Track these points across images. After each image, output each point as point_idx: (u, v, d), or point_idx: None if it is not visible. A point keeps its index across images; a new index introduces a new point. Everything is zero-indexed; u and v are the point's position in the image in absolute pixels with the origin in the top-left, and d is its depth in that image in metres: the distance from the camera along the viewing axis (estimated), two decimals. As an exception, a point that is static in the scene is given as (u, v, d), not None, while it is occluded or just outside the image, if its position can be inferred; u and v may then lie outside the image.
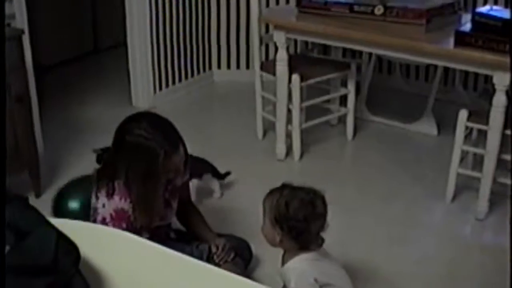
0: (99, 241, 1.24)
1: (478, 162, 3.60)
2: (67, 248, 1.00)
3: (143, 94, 4.75)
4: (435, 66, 4.76)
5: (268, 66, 4.10)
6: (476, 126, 3.38)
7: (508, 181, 3.42)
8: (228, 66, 5.33)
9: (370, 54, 4.70)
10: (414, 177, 3.85)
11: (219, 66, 5.32)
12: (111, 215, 2.43)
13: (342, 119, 4.44)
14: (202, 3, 5.04)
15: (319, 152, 4.15)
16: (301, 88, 3.87)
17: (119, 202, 2.43)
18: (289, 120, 3.97)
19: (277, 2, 5.09)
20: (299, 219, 2.25)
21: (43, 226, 0.97)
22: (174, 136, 2.48)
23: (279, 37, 3.72)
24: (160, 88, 4.83)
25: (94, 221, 2.47)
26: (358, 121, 4.40)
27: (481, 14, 3.20)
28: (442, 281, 2.99)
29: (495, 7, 3.60)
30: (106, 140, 3.95)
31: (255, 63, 4.10)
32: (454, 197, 3.56)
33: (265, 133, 4.32)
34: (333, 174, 3.94)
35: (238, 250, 2.74)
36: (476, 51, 3.11)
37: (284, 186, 2.33)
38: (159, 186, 2.49)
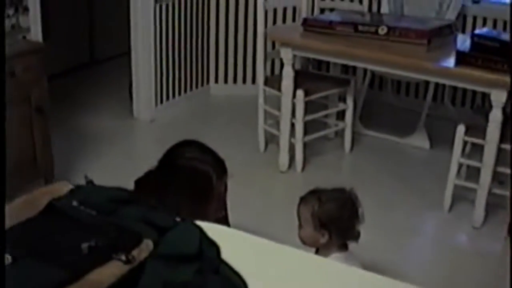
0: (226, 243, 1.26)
1: (471, 173, 3.79)
2: (210, 241, 1.13)
3: (145, 107, 4.88)
4: (426, 83, 5.00)
5: (272, 81, 4.28)
6: (473, 140, 3.59)
7: (502, 192, 3.64)
8: (225, 81, 5.49)
9: (365, 71, 4.91)
10: (411, 188, 4.05)
11: (216, 80, 5.49)
12: None
13: (338, 133, 4.63)
14: (202, 18, 5.21)
15: (319, 164, 4.33)
16: (305, 103, 4.05)
17: None
18: (291, 134, 4.14)
19: (284, 20, 5.26)
20: (345, 218, 2.41)
21: (184, 223, 1.11)
22: (221, 159, 2.46)
23: (286, 54, 3.90)
24: (161, 101, 4.96)
25: None
26: (354, 135, 4.59)
27: (480, 36, 3.42)
28: (440, 286, 3.17)
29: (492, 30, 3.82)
30: (112, 152, 4.14)
31: (259, 78, 4.28)
32: (451, 207, 3.76)
33: (266, 146, 4.48)
34: (334, 185, 4.05)
35: None
36: (476, 70, 3.33)
37: (314, 191, 2.49)
38: (210, 210, 2.43)
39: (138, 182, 2.47)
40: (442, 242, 3.65)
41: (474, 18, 4.84)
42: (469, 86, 3.61)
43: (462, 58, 3.39)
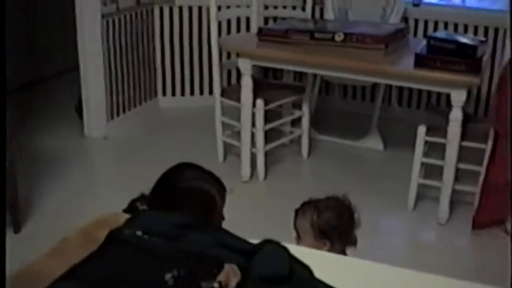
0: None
1: (429, 170, 3.89)
2: (298, 261, 1.13)
3: (97, 124, 4.79)
4: (373, 86, 5.11)
5: (228, 92, 4.29)
6: (435, 140, 3.70)
7: (464, 188, 3.76)
8: (173, 93, 5.46)
9: (315, 77, 4.98)
10: (372, 189, 4.13)
11: (164, 93, 5.45)
12: None
13: (294, 140, 4.67)
14: (147, 31, 5.17)
15: (280, 172, 4.36)
16: (265, 112, 4.08)
17: None
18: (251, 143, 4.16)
19: (238, 30, 5.28)
20: (344, 225, 2.43)
21: (270, 244, 1.11)
22: (218, 178, 2.37)
23: (245, 64, 3.91)
24: (112, 117, 4.89)
25: None
26: (310, 141, 4.65)
27: (436, 38, 3.53)
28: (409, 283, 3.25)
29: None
30: (70, 172, 4.01)
31: (215, 89, 4.28)
32: (415, 205, 3.86)
33: (225, 157, 4.48)
34: (298, 191, 4.13)
35: None
36: (435, 71, 3.43)
37: (309, 202, 2.49)
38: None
39: (131, 206, 2.35)
40: (410, 240, 3.75)
41: (416, 21, 4.98)
42: (429, 88, 3.71)
43: (420, 61, 3.48)
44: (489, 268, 3.37)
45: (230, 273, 1.06)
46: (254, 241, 1.22)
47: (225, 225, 3.51)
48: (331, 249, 2.44)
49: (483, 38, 4.07)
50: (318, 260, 1.62)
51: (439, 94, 5.06)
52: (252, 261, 1.07)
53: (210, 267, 1.07)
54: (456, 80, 3.39)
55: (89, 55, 4.61)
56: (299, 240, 2.46)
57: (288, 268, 1.06)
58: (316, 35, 3.85)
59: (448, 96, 4.80)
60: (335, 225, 2.39)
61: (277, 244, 1.16)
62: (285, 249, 1.13)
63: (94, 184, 4.21)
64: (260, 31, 4.03)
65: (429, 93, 5.12)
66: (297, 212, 2.48)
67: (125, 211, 2.34)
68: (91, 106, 4.76)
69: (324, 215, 2.39)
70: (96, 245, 1.17)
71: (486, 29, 4.74)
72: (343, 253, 2.50)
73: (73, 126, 4.96)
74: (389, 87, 5.12)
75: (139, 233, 1.17)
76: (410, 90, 5.18)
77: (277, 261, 1.08)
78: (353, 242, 2.48)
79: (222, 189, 2.31)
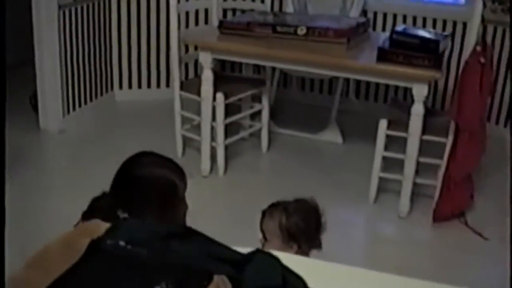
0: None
1: (388, 163, 3.90)
2: (291, 271, 1.10)
3: (53, 117, 4.68)
4: (330, 80, 5.12)
5: (188, 85, 4.24)
6: (395, 133, 3.71)
7: (424, 181, 3.80)
8: (130, 86, 5.38)
9: (273, 70, 4.95)
10: (332, 182, 4.14)
11: (120, 86, 5.36)
12: None
13: (253, 133, 4.64)
14: (104, 22, 5.07)
15: (240, 166, 4.33)
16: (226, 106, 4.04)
17: None
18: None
19: (196, 23, 5.21)
20: (312, 228, 2.42)
21: (261, 254, 1.07)
22: (177, 163, 2.35)
23: (205, 58, 3.86)
24: (68, 111, 4.79)
25: None
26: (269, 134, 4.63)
27: (399, 33, 3.54)
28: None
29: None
30: (23, 168, 3.90)
31: (174, 82, 4.22)
32: (376, 198, 3.88)
33: (183, 151, 4.43)
34: (258, 186, 4.15)
35: None
36: (397, 66, 3.44)
37: (278, 204, 2.45)
38: (178, 215, 2.35)
39: (92, 207, 2.32)
40: (371, 233, 3.77)
41: (375, 14, 5.00)
42: (391, 82, 3.72)
43: (383, 55, 3.49)
44: (450, 260, 3.41)
45: (220, 285, 1.02)
46: (241, 249, 1.18)
47: (186, 220, 3.50)
48: (298, 252, 2.42)
49: (445, 33, 4.10)
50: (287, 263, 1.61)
51: (397, 87, 5.10)
52: (243, 272, 1.04)
53: (199, 279, 1.04)
54: (419, 75, 3.41)
55: (45, 46, 4.49)
56: (264, 242, 2.43)
57: (282, 278, 1.03)
58: (278, 28, 3.82)
59: (406, 89, 4.91)
60: (303, 229, 2.37)
61: (269, 254, 1.13)
62: (276, 259, 1.10)
63: (47, 179, 4.11)
64: (221, 24, 3.98)
65: (387, 86, 5.15)
66: (264, 213, 2.44)
67: (86, 212, 2.28)
68: (47, 99, 4.65)
69: (293, 218, 2.36)
70: (78, 255, 1.12)
71: (445, 22, 4.79)
72: (307, 255, 2.50)
73: (28, 120, 4.83)
74: (347, 80, 5.13)
75: (122, 243, 1.12)
76: (368, 83, 5.21)
77: (270, 271, 1.05)
78: (318, 245, 2.47)
79: (182, 175, 2.29)
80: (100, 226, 1.19)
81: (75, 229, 1.21)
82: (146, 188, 2.21)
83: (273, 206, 2.43)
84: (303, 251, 2.41)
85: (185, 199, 2.34)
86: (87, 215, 2.23)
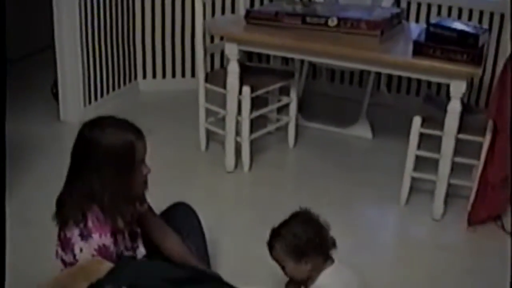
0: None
1: (421, 162, 3.71)
2: None
3: (73, 108, 4.56)
4: (362, 70, 4.92)
5: (212, 77, 4.08)
6: (430, 132, 3.52)
7: (460, 182, 3.61)
8: (154, 76, 5.23)
9: (302, 61, 4.77)
10: (362, 181, 3.96)
11: (144, 76, 5.22)
12: (93, 256, 2.13)
13: (280, 127, 4.47)
14: (128, 10, 4.91)
15: (265, 162, 4.17)
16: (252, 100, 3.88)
17: (99, 239, 2.17)
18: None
19: (223, 11, 5.04)
20: (313, 235, 2.38)
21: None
22: (134, 124, 2.34)
23: (231, 49, 3.70)
24: (90, 101, 4.66)
25: None
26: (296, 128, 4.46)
27: (436, 25, 3.34)
28: (403, 282, 3.09)
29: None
30: (43, 161, 3.76)
31: (199, 74, 4.06)
32: (407, 199, 3.70)
33: (207, 145, 4.28)
34: (285, 183, 4.00)
35: None
36: (435, 61, 3.25)
37: (272, 232, 2.44)
38: (136, 180, 2.32)
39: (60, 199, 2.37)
40: (403, 237, 3.58)
41: (408, 4, 4.79)
42: (427, 78, 3.52)
43: (419, 49, 3.30)
44: (485, 266, 3.23)
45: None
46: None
47: (209, 217, 3.34)
48: (315, 263, 2.39)
49: (485, 26, 3.89)
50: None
51: (429, 81, 4.89)
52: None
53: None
54: (457, 71, 3.22)
55: (64, 33, 4.35)
56: (284, 270, 2.45)
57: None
58: (308, 19, 3.64)
59: (440, 83, 4.70)
60: (305, 241, 2.36)
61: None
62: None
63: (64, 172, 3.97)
64: (248, 14, 3.81)
65: (420, 79, 4.94)
66: (268, 246, 2.45)
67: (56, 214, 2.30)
68: (67, 89, 4.52)
69: (289, 239, 2.37)
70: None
71: (481, 13, 4.56)
72: (331, 260, 2.44)
73: (49, 111, 4.70)
74: (379, 72, 4.92)
75: (123, 290, 0.97)
76: (400, 76, 5.00)
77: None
78: (331, 245, 2.44)
79: (140, 135, 2.27)
80: (101, 267, 1.04)
81: (70, 269, 1.05)
82: (101, 150, 2.20)
83: (271, 238, 2.44)
84: (319, 260, 2.39)
85: (145, 162, 2.33)
86: (58, 217, 2.29)
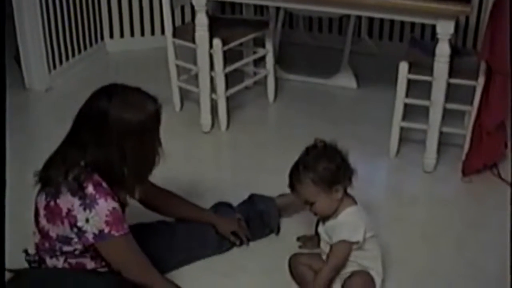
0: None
1: (410, 111, 3.48)
2: None
3: (38, 75, 4.27)
4: (341, 17, 4.66)
5: (181, 31, 3.80)
6: (419, 78, 3.28)
7: (452, 130, 3.38)
8: (122, 35, 4.93)
9: (277, 9, 4.49)
10: (348, 133, 3.70)
11: (111, 36, 4.91)
12: (107, 222, 2.08)
13: (258, 81, 4.20)
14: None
15: (244, 119, 3.92)
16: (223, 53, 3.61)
17: (106, 203, 2.08)
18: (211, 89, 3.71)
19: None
20: (340, 161, 2.37)
21: None
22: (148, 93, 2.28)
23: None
24: (54, 66, 4.37)
25: (84, 245, 2.14)
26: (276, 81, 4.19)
27: (419, -40, 3.06)
28: (398, 243, 2.86)
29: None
30: (8, 129, 3.44)
31: (166, 29, 3.78)
32: (397, 151, 3.47)
33: (182, 104, 4.01)
34: (266, 141, 3.75)
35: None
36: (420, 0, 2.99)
37: (296, 166, 2.38)
38: (157, 145, 2.26)
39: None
40: (394, 190, 3.35)
41: None
42: (412, 19, 3.26)
43: (402, -12, 3.03)
44: (482, 218, 3.04)
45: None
46: None
47: (188, 183, 3.11)
48: (343, 189, 2.37)
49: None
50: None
51: (413, 23, 4.63)
52: None
53: None
54: (444, 10, 2.97)
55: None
56: (311, 206, 2.38)
57: None
58: (280, -38, 3.35)
59: (424, 25, 4.44)
60: (335, 168, 2.34)
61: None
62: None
63: (34, 142, 3.71)
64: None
65: (402, 22, 4.68)
66: (291, 186, 2.40)
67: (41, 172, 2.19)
68: (30, 55, 4.21)
69: (319, 167, 2.32)
70: None
71: None
72: (354, 201, 2.44)
73: (14, 78, 4.39)
74: (359, 17, 4.65)
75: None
76: (382, 20, 4.74)
77: None
78: (353, 171, 2.41)
79: (152, 97, 2.22)
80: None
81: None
82: (122, 124, 2.11)
83: (294, 172, 2.38)
84: (347, 185, 2.39)
85: (158, 135, 2.25)
86: (43, 177, 2.18)
